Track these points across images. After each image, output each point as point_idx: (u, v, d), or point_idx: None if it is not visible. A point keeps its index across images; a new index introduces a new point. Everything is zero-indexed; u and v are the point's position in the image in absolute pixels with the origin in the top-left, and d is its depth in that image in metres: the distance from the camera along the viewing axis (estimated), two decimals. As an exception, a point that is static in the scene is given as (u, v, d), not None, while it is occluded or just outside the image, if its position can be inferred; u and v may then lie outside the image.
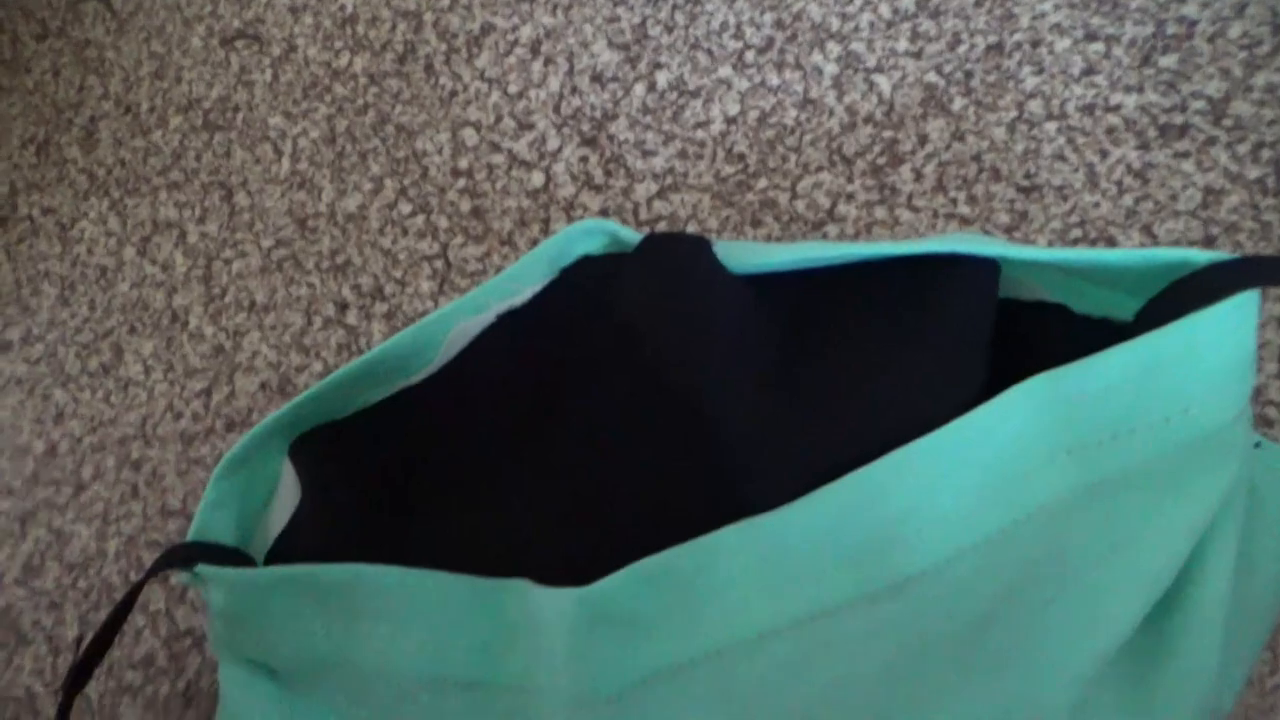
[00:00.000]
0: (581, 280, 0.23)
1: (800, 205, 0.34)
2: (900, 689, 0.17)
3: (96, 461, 0.37)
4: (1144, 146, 0.33)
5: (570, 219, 0.35)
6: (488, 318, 0.23)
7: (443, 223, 0.37)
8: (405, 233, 0.37)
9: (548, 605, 0.18)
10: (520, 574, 0.19)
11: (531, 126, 0.37)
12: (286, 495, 0.24)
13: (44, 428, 0.37)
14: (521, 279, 0.23)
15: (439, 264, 0.36)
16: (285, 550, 0.24)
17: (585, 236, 0.23)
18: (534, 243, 0.36)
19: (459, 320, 0.22)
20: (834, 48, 0.36)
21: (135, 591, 0.22)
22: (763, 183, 0.35)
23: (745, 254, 0.22)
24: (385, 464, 0.23)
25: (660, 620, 0.17)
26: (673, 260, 0.21)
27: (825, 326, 0.21)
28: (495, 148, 0.37)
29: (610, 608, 0.17)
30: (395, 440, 0.23)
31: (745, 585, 0.17)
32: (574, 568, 0.19)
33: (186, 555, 0.22)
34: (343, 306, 0.37)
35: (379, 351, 0.22)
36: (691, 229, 0.34)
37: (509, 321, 0.23)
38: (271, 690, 0.21)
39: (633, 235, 0.23)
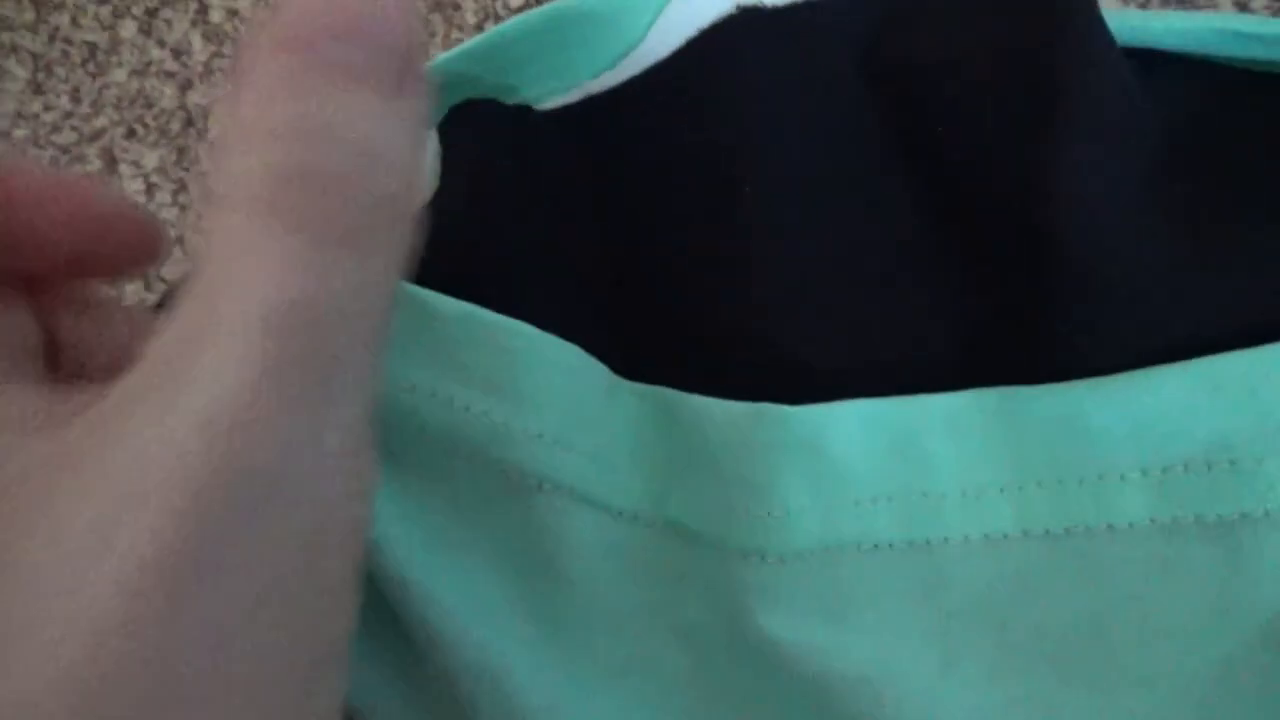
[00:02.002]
0: None
1: None
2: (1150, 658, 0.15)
3: (78, 306, 0.28)
4: None
5: None
6: (724, 3, 0.17)
7: None
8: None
9: (732, 423, 0.15)
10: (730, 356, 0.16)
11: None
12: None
13: (7, 255, 0.29)
14: None
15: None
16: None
17: None
18: None
19: None
20: None
21: None
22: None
23: (1115, 20, 0.17)
24: (571, 162, 0.18)
25: (887, 478, 0.15)
26: None
27: (1227, 143, 0.17)
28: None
29: (830, 445, 0.15)
30: (587, 138, 0.18)
31: (1120, 456, 0.15)
32: (810, 375, 0.16)
33: None
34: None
35: (564, 5, 0.17)
36: None
37: (756, 20, 0.17)
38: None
39: None
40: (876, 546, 0.15)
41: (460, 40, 0.29)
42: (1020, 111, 0.16)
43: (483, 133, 0.18)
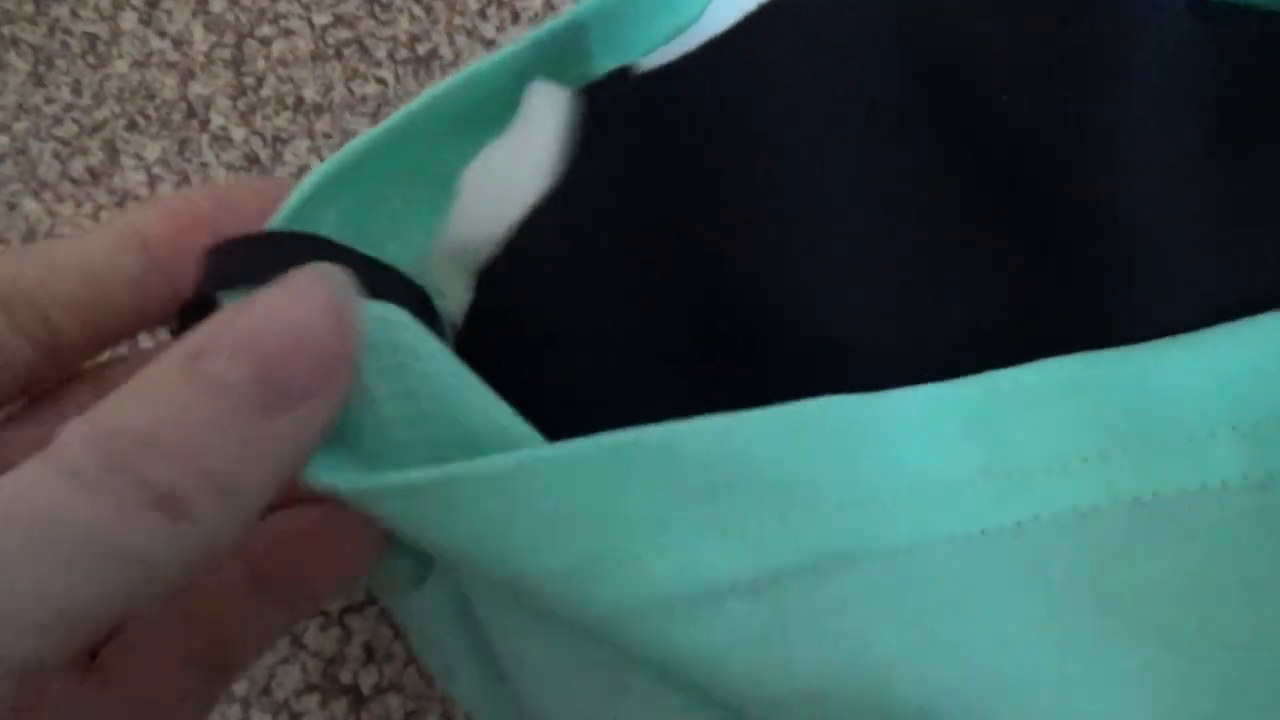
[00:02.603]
0: None
1: None
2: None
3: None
4: None
5: None
6: None
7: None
8: (517, 18, 0.29)
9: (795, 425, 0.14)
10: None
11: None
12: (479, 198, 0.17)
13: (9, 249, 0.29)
14: None
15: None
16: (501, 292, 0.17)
17: None
18: None
19: None
20: None
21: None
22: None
23: None
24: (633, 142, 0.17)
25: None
26: None
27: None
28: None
29: (898, 434, 0.14)
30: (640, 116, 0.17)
31: (1207, 413, 0.14)
32: (856, 359, 0.15)
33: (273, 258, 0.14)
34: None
35: None
36: None
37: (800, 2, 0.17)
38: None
39: None
40: (969, 534, 0.14)
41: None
42: (1069, 77, 0.16)
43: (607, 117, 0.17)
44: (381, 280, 0.14)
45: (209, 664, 0.16)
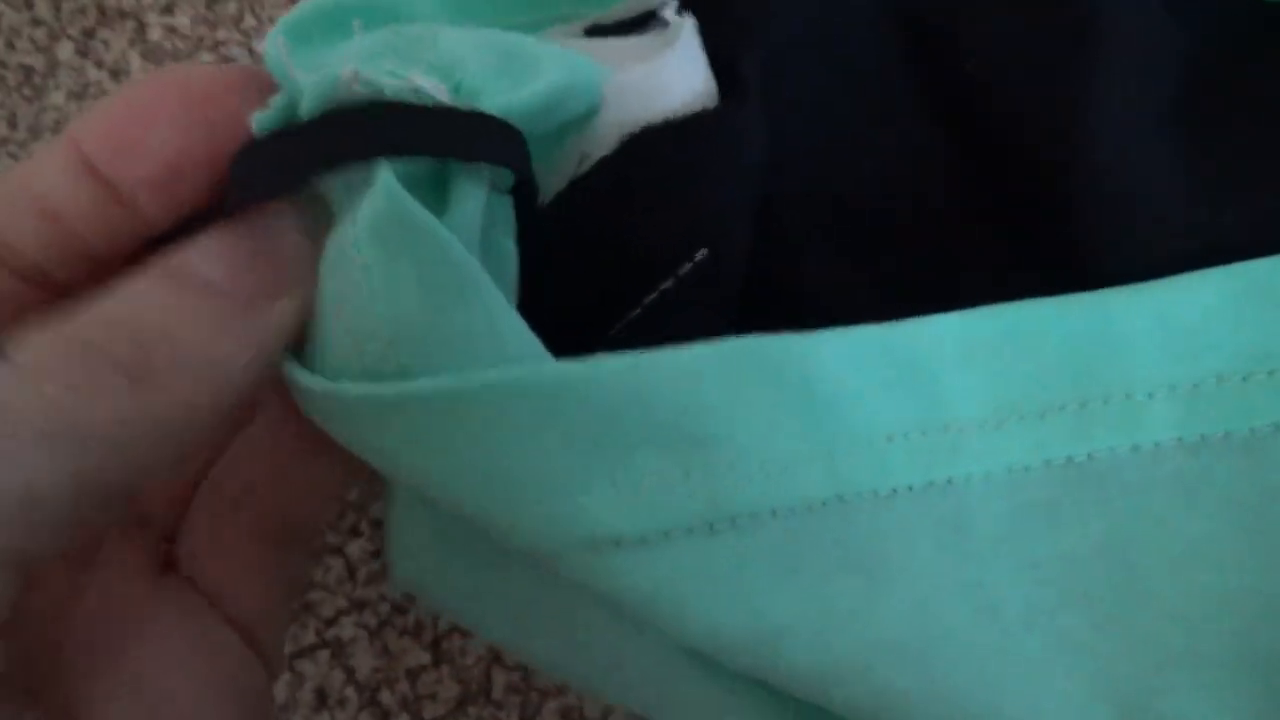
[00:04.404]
0: None
1: None
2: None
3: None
4: None
5: None
6: None
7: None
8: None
9: (702, 366, 0.13)
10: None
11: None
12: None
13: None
14: None
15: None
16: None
17: None
18: None
19: None
20: None
21: None
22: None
23: None
24: None
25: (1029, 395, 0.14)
26: None
27: (1259, 59, 0.17)
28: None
29: (823, 380, 0.13)
30: None
31: (1147, 371, 0.14)
32: (804, 298, 0.16)
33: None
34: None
35: None
36: None
37: None
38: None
39: None
40: (895, 491, 0.13)
41: None
42: (1047, 45, 0.16)
43: None
44: (461, 128, 0.13)
45: (280, 534, 0.17)
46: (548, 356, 0.13)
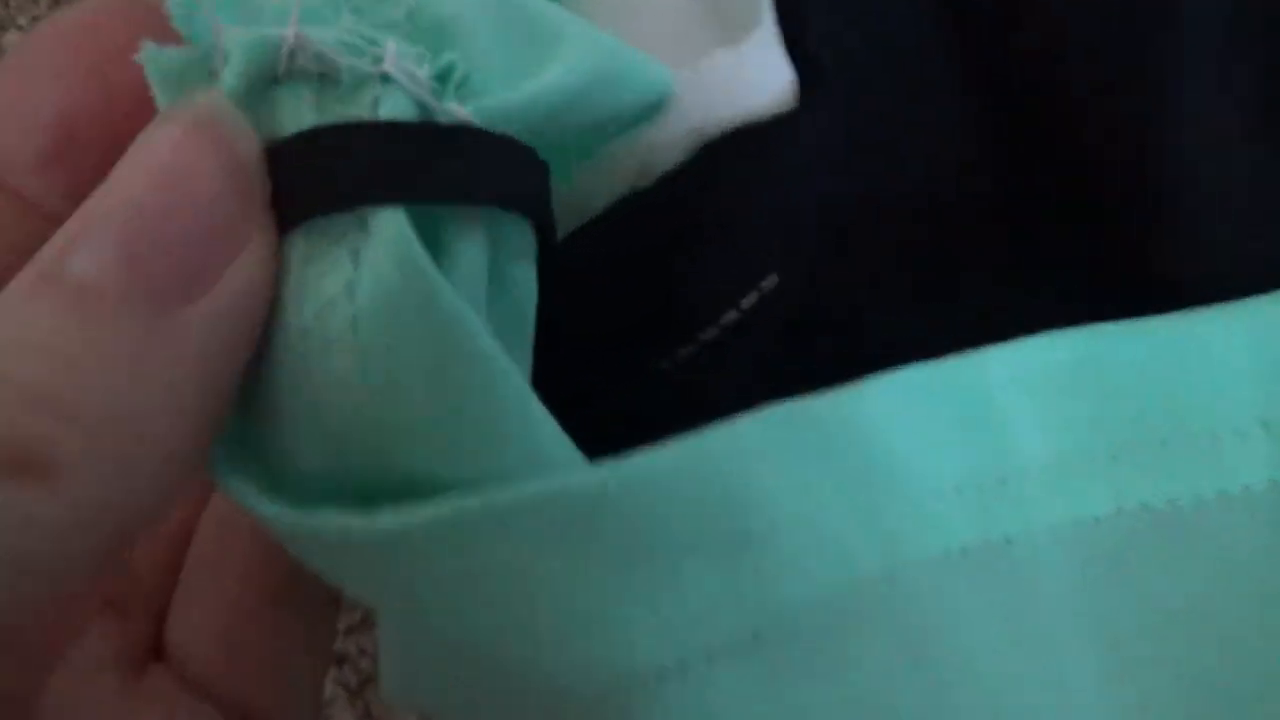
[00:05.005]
0: None
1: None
2: None
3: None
4: None
5: None
6: None
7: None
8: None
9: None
10: None
11: None
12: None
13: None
14: None
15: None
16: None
17: None
18: None
19: None
20: None
21: None
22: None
23: None
24: None
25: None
26: None
27: None
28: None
29: (873, 437, 0.12)
30: None
31: (1238, 406, 0.13)
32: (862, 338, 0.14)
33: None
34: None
35: None
36: None
37: None
38: None
39: None
40: (950, 555, 0.12)
41: None
42: (1119, 25, 0.14)
43: None
44: (466, 160, 0.11)
45: (277, 596, 0.14)
46: (583, 461, 0.11)
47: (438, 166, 0.10)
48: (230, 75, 0.10)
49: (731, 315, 0.13)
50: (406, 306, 0.10)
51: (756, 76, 0.13)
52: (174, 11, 0.10)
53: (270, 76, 0.10)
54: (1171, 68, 0.14)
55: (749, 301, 0.13)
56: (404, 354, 0.10)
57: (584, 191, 0.13)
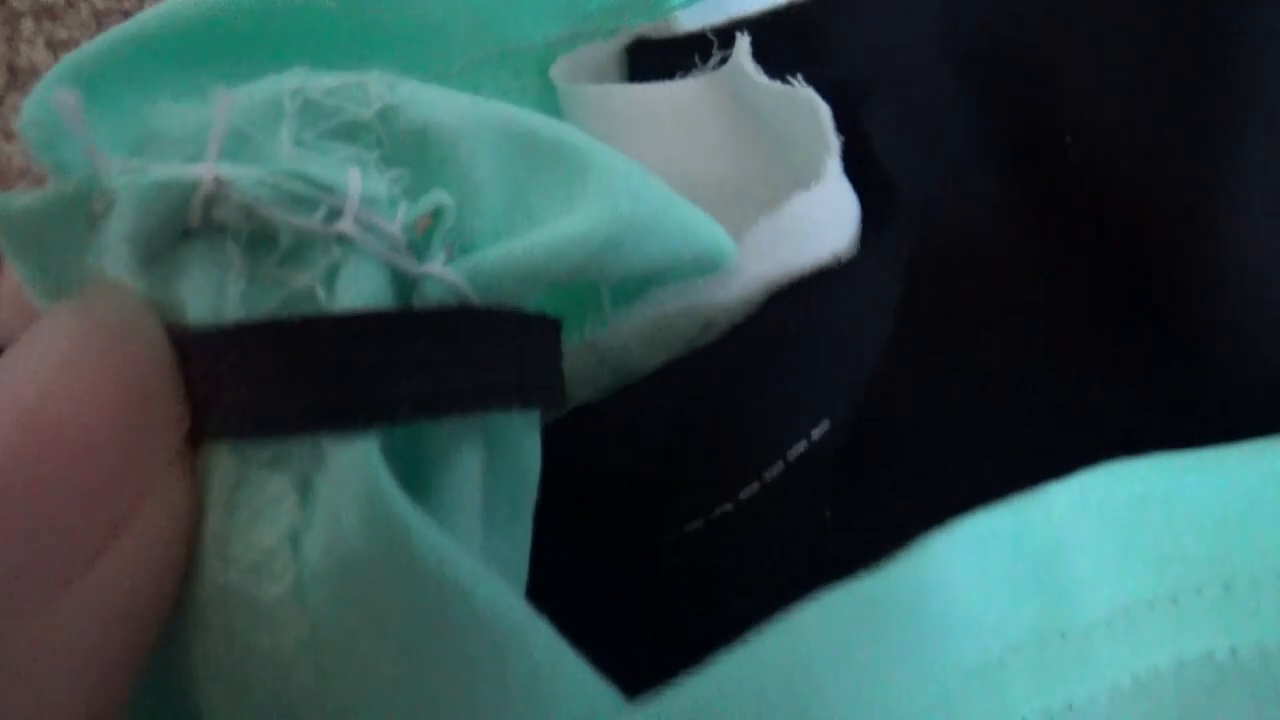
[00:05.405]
0: None
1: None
2: None
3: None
4: None
5: None
6: None
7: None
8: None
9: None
10: None
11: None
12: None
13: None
14: None
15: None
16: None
17: None
18: None
19: None
20: None
21: None
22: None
23: None
24: None
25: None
26: None
27: None
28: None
29: (936, 594, 0.11)
30: None
31: None
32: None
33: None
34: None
35: None
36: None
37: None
38: None
39: None
40: None
41: None
42: (1173, 119, 0.13)
43: None
44: (470, 352, 0.08)
45: None
46: (622, 704, 0.09)
47: (418, 375, 0.07)
48: (117, 232, 0.07)
49: (778, 468, 0.12)
50: (374, 565, 0.07)
51: (829, 216, 0.12)
52: (29, 135, 0.08)
53: (177, 230, 0.07)
54: (1233, 148, 0.13)
55: (796, 452, 0.12)
56: (370, 629, 0.07)
57: (630, 343, 0.11)
